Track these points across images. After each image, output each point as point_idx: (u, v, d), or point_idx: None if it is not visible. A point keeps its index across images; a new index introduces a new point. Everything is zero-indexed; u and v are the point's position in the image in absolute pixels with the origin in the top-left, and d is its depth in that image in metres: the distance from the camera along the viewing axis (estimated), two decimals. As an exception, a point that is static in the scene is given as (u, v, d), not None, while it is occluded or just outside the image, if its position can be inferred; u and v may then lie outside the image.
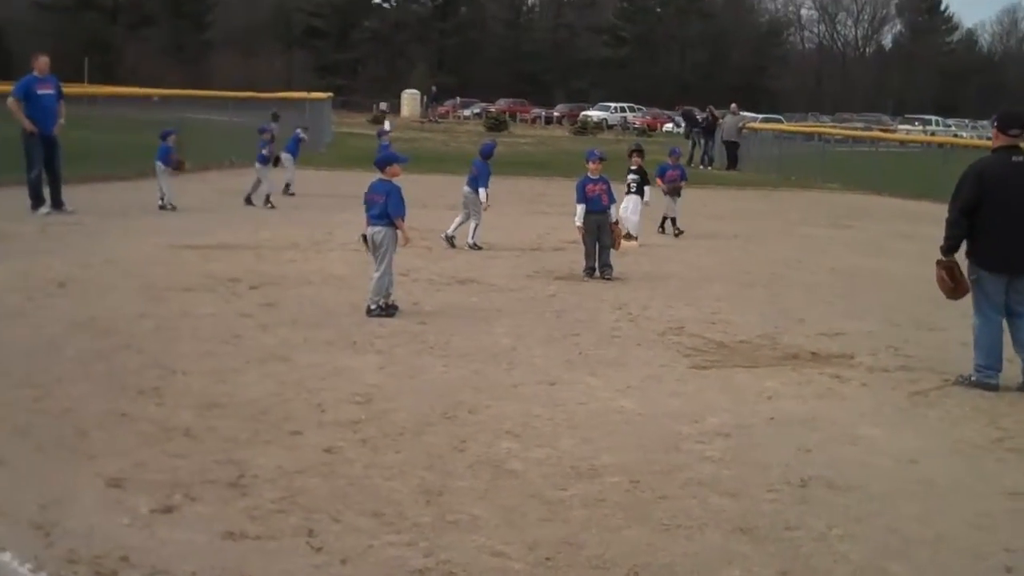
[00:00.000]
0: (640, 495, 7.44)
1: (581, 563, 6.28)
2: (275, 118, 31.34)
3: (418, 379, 10.21)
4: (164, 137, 23.11)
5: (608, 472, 7.85)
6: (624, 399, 9.83)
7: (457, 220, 19.04)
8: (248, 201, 23.78)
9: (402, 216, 12.96)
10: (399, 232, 13.00)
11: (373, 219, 13.02)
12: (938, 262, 11.34)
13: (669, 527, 6.89)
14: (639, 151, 20.71)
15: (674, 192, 22.37)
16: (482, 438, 8.52)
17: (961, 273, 11.17)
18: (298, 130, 29.09)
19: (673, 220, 22.37)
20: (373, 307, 12.84)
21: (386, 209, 12.94)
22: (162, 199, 22.24)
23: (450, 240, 18.75)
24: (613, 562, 6.31)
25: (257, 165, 24.40)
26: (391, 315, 12.81)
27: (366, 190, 13.32)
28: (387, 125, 24.80)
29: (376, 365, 10.63)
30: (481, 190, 18.84)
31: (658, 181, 22.12)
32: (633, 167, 20.28)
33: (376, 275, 12.94)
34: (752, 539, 6.76)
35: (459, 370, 10.59)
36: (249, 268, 15.65)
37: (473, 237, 18.87)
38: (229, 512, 6.79)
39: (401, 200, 13.08)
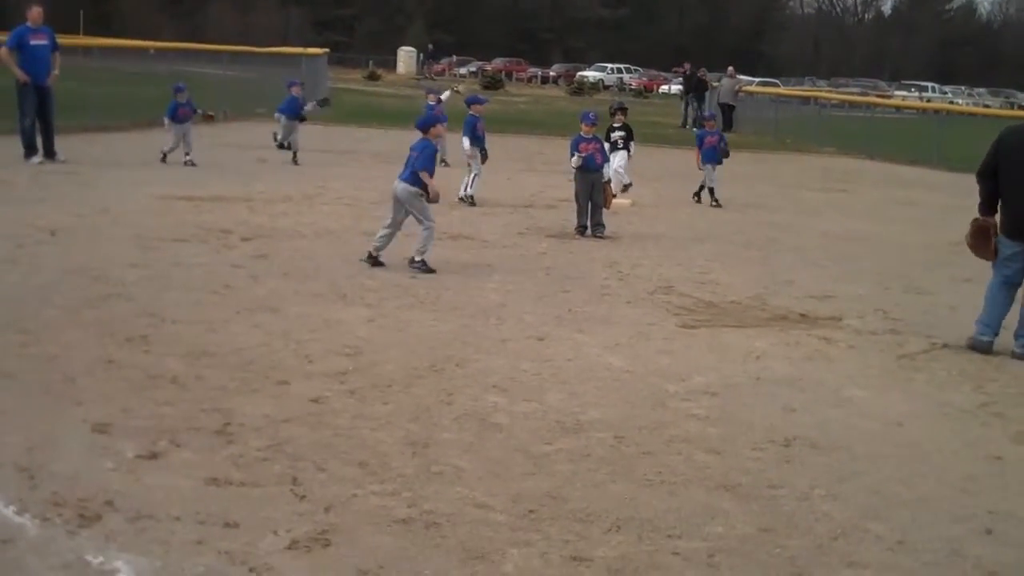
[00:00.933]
0: (625, 450, 7.46)
1: (564, 516, 6.31)
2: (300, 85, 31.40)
3: (407, 332, 10.22)
4: (175, 92, 22.39)
5: (593, 427, 7.88)
6: (612, 356, 9.85)
7: (467, 178, 19.14)
8: (282, 146, 24.57)
9: (428, 171, 12.89)
10: (429, 187, 12.93)
11: (402, 177, 12.94)
12: (972, 220, 11.37)
13: (653, 482, 6.91)
14: (623, 109, 20.79)
15: (713, 160, 21.14)
16: (469, 391, 8.54)
17: (994, 234, 11.14)
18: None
19: (711, 190, 21.14)
20: (417, 259, 12.88)
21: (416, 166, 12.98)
22: (164, 152, 21.87)
23: (470, 199, 18.83)
24: (596, 516, 6.33)
25: (283, 119, 24.85)
26: (430, 272, 12.82)
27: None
28: (445, 95, 24.78)
29: (365, 318, 10.64)
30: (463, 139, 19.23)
31: (696, 152, 21.38)
32: (617, 124, 20.32)
33: (423, 231, 13.12)
34: (735, 496, 6.79)
35: (448, 324, 10.61)
36: (241, 220, 15.64)
37: (471, 188, 18.93)
38: (214, 459, 6.80)
39: (431, 158, 13.13)
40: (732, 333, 11.05)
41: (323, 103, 22.55)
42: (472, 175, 19.06)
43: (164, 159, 21.66)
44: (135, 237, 13.85)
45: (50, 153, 20.71)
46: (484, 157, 19.43)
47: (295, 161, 23.25)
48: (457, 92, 18.45)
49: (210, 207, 16.62)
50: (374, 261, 13.01)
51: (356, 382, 8.57)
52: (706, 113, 24.34)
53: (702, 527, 6.31)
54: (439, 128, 13.83)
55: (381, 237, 13.11)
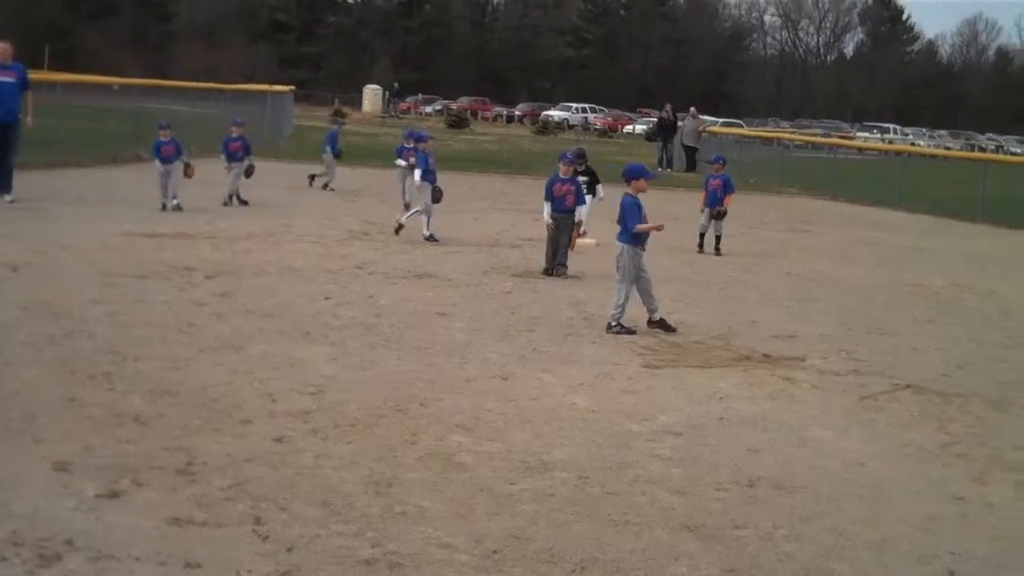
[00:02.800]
0: (589, 491, 7.45)
1: (528, 557, 6.29)
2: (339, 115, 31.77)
3: (371, 371, 10.20)
4: (158, 130, 21.58)
5: (558, 467, 7.87)
6: (576, 395, 9.85)
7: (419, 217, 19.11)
8: (320, 185, 26.64)
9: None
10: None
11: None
12: None
13: (617, 523, 6.90)
14: (579, 156, 20.74)
15: (719, 215, 20.35)
16: (433, 431, 8.52)
17: None
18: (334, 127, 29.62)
19: (717, 237, 20.43)
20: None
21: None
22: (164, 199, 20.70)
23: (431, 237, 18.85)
24: (560, 556, 6.32)
25: (327, 156, 26.75)
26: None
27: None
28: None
29: (329, 356, 10.61)
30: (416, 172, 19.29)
31: (701, 197, 20.98)
32: (581, 169, 20.34)
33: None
34: (699, 537, 6.79)
35: (413, 363, 10.59)
36: (205, 257, 15.59)
37: (427, 228, 18.92)
38: (176, 498, 6.76)
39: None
40: (696, 373, 11.07)
41: (249, 171, 22.09)
42: (423, 215, 19.04)
43: (164, 208, 20.48)
44: (98, 274, 13.78)
45: (3, 188, 20.28)
46: (438, 196, 19.13)
47: (241, 201, 22.55)
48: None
49: (173, 244, 16.56)
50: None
51: (319, 421, 8.54)
52: (712, 157, 24.03)
53: (666, 568, 6.31)
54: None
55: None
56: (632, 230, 12.79)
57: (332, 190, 26.96)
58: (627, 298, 12.67)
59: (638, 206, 12.86)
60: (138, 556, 5.91)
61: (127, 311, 11.92)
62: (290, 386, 9.45)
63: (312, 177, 27.74)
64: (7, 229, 16.81)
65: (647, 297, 12.84)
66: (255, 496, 6.88)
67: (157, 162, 20.84)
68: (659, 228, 13.07)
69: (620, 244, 12.88)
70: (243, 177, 22.43)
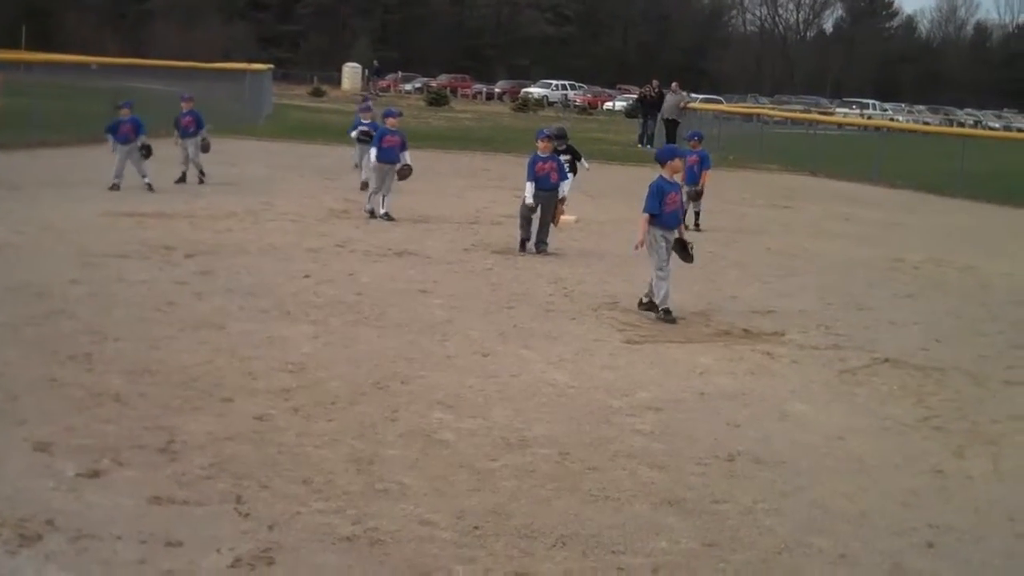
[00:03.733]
0: (569, 466, 7.48)
1: (509, 532, 6.31)
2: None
3: (352, 349, 10.20)
4: (118, 108, 21.10)
5: (538, 443, 7.89)
6: (557, 372, 9.88)
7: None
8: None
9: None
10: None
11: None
12: None
13: (597, 498, 6.93)
14: (558, 136, 20.64)
15: (695, 196, 19.95)
16: (414, 408, 8.53)
17: None
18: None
19: (696, 213, 20.24)
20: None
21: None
22: (115, 182, 20.22)
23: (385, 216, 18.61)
24: (541, 532, 6.35)
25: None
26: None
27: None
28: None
29: (310, 334, 10.61)
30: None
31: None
32: (561, 148, 20.29)
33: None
34: (679, 511, 6.82)
35: (393, 340, 10.59)
36: (185, 237, 15.55)
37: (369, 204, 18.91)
38: (157, 477, 6.77)
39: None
40: (676, 349, 11.10)
41: (205, 146, 21.80)
42: (376, 194, 18.87)
43: (115, 188, 20.01)
44: (78, 254, 13.74)
45: None
46: (405, 173, 18.84)
47: (201, 176, 22.25)
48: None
49: (153, 223, 16.51)
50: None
51: (300, 399, 8.55)
52: (688, 133, 23.86)
53: (647, 542, 6.34)
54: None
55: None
56: (645, 210, 12.42)
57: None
58: (664, 284, 12.32)
59: (658, 191, 12.44)
60: (119, 535, 5.91)
61: (107, 291, 11.90)
62: (271, 364, 9.45)
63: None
64: (-15, 209, 16.75)
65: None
66: (236, 474, 6.89)
67: (113, 141, 20.45)
68: (640, 243, 12.44)
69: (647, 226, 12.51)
70: (201, 152, 22.17)
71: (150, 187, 20.28)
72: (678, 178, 12.84)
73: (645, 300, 12.61)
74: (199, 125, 22.30)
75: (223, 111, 38.44)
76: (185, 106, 22.66)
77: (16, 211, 16.79)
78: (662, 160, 12.82)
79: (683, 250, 12.69)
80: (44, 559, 5.63)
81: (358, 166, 22.67)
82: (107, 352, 9.50)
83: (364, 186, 21.02)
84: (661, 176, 12.58)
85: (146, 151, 20.31)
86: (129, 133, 20.36)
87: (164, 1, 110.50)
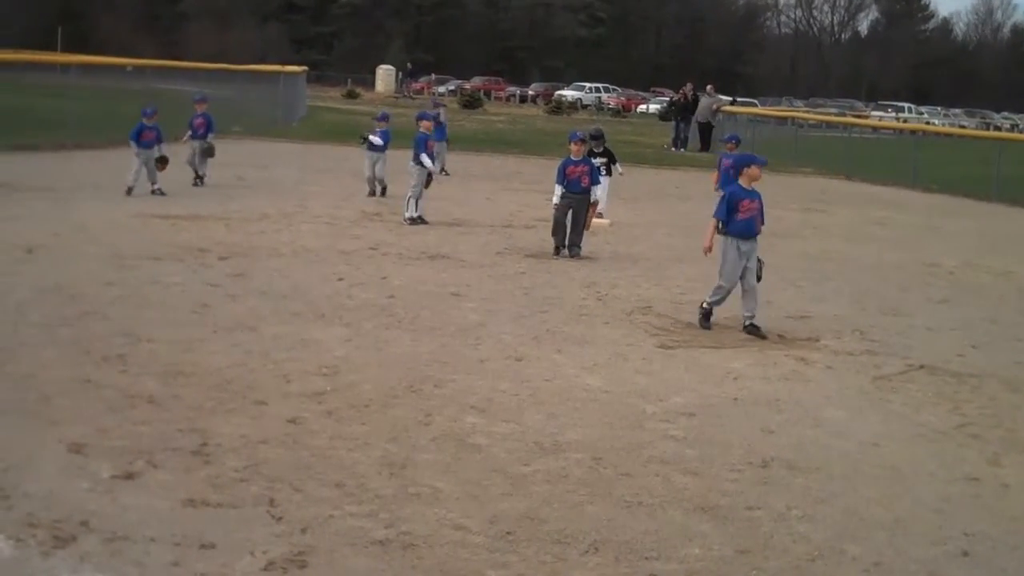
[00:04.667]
0: (603, 472, 7.46)
1: (542, 537, 6.30)
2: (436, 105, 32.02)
3: (385, 352, 10.20)
4: (143, 116, 20.57)
5: (571, 448, 7.88)
6: (590, 376, 9.86)
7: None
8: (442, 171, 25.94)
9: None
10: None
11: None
12: None
13: (631, 504, 6.91)
14: (595, 137, 20.59)
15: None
16: (447, 412, 8.53)
17: None
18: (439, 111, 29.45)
19: None
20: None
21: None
22: (129, 186, 19.85)
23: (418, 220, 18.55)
24: (574, 537, 6.33)
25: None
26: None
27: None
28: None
29: (343, 337, 10.62)
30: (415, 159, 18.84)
31: (713, 177, 20.88)
32: (599, 150, 20.28)
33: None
34: (712, 518, 6.80)
35: (426, 344, 10.59)
36: (219, 239, 15.60)
37: (418, 209, 18.75)
38: (191, 480, 6.78)
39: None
40: (710, 354, 11.07)
41: (208, 151, 21.66)
42: (409, 196, 18.71)
43: (129, 192, 19.64)
44: (112, 255, 13.80)
45: None
46: (430, 180, 18.97)
47: (198, 179, 21.90)
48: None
49: (187, 225, 16.57)
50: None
51: (333, 402, 8.56)
52: (726, 136, 23.78)
53: (680, 549, 6.31)
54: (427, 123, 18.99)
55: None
56: (714, 215, 12.25)
57: (446, 174, 26.53)
58: (723, 290, 12.10)
59: (731, 197, 12.22)
60: (153, 537, 5.93)
61: (141, 293, 11.94)
62: (304, 367, 9.46)
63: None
64: (21, 211, 16.84)
65: (746, 298, 12.14)
66: (269, 477, 6.90)
67: (135, 145, 20.02)
68: (706, 249, 12.31)
69: (720, 236, 12.33)
70: (207, 156, 22.01)
71: (161, 192, 19.92)
72: (757, 185, 12.46)
73: (747, 323, 12.09)
74: (209, 128, 22.20)
75: (257, 113, 38.60)
76: (199, 108, 22.58)
77: (50, 213, 16.88)
78: (738, 168, 12.67)
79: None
80: (79, 560, 5.65)
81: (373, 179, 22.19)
82: (141, 354, 9.53)
83: (372, 193, 21.58)
84: (738, 183, 12.42)
85: (163, 162, 20.24)
86: (151, 139, 20.15)
87: (198, 3, 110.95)
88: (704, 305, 12.22)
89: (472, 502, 6.75)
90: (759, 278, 12.29)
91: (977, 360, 11.48)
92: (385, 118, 22.70)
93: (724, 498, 7.13)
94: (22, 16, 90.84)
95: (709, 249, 12.25)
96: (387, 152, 21.79)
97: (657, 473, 7.51)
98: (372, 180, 21.84)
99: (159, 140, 20.32)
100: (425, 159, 18.59)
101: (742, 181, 12.35)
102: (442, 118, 27.69)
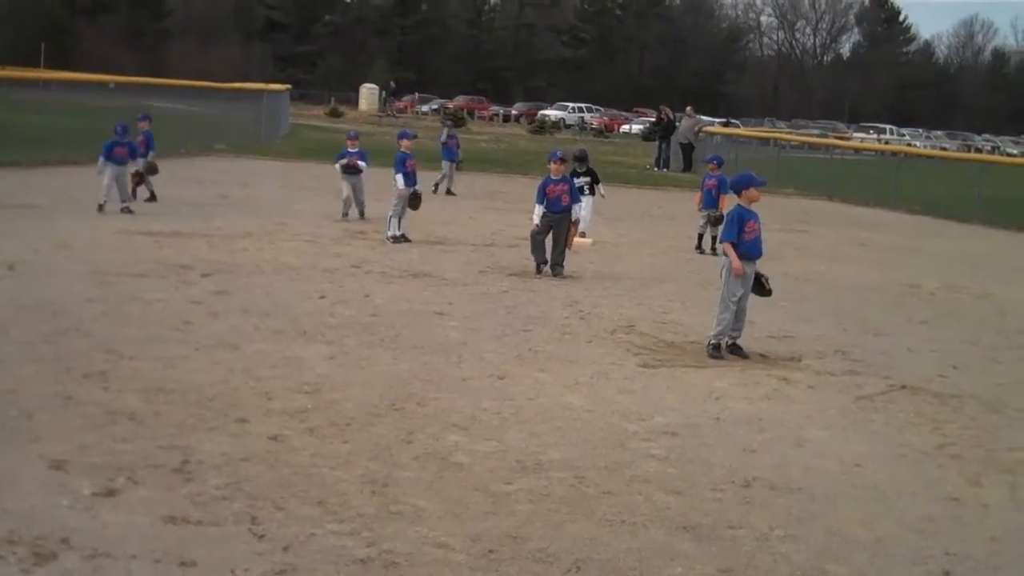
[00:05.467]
0: (585, 491, 7.45)
1: (524, 556, 6.29)
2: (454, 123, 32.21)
3: (367, 370, 10.19)
4: (116, 132, 20.38)
5: (554, 467, 7.87)
6: (572, 395, 9.85)
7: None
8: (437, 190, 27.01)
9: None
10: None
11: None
12: None
13: (613, 523, 6.91)
14: (579, 159, 20.73)
15: (715, 220, 19.44)
16: (429, 430, 8.52)
17: None
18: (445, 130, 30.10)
19: (713, 238, 19.56)
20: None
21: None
22: (100, 203, 19.66)
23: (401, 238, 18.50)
24: (556, 556, 6.32)
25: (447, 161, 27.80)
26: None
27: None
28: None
29: (325, 355, 10.61)
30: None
31: (697, 197, 20.94)
32: (581, 170, 20.37)
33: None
34: (695, 537, 6.79)
35: (409, 362, 10.58)
36: (201, 256, 15.58)
37: (399, 228, 18.74)
38: (172, 497, 6.76)
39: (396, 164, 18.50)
40: (692, 373, 11.08)
41: (150, 168, 21.48)
42: (390, 216, 18.71)
43: (101, 208, 19.51)
44: (93, 272, 13.77)
45: None
46: (416, 200, 18.93)
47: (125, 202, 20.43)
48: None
49: (169, 242, 16.55)
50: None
51: (315, 420, 8.54)
52: (708, 157, 23.82)
53: (662, 568, 6.31)
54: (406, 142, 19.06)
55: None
56: (726, 239, 12.16)
57: (452, 194, 27.53)
58: (727, 317, 11.99)
59: (737, 219, 12.10)
60: (134, 554, 5.91)
61: (122, 309, 11.92)
62: (286, 385, 9.45)
63: (436, 186, 27.66)
64: (2, 228, 16.78)
65: (736, 319, 12.07)
66: (251, 495, 6.88)
67: (102, 161, 19.81)
68: (738, 271, 11.95)
69: (724, 257, 12.35)
70: (150, 174, 21.65)
71: (129, 210, 19.64)
72: (755, 207, 12.31)
73: (729, 343, 12.10)
74: (149, 147, 22.03)
75: (240, 131, 38.54)
76: (141, 126, 22.36)
77: (32, 229, 16.83)
78: (737, 189, 12.51)
79: (759, 285, 12.29)
80: (58, 578, 5.63)
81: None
82: (122, 370, 9.50)
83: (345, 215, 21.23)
84: (740, 204, 12.36)
85: (151, 168, 20.12)
86: (124, 156, 20.05)
87: (182, 20, 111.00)
88: (711, 342, 12.07)
89: (454, 520, 6.74)
90: (770, 292, 12.41)
91: (958, 380, 11.50)
92: (356, 136, 22.36)
93: (706, 517, 7.13)
94: (6, 32, 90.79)
95: (741, 269, 11.95)
96: (364, 175, 21.40)
97: (639, 492, 7.51)
98: (349, 201, 21.32)
99: (134, 155, 20.37)
100: (399, 179, 18.56)
101: (742, 202, 12.31)
102: (443, 137, 29.01)
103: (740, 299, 12.01)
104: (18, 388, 8.75)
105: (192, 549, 6.03)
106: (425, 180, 20.43)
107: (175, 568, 5.81)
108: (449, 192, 27.53)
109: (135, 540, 6.08)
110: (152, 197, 21.51)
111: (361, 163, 21.22)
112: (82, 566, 5.75)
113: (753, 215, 12.15)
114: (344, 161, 21.38)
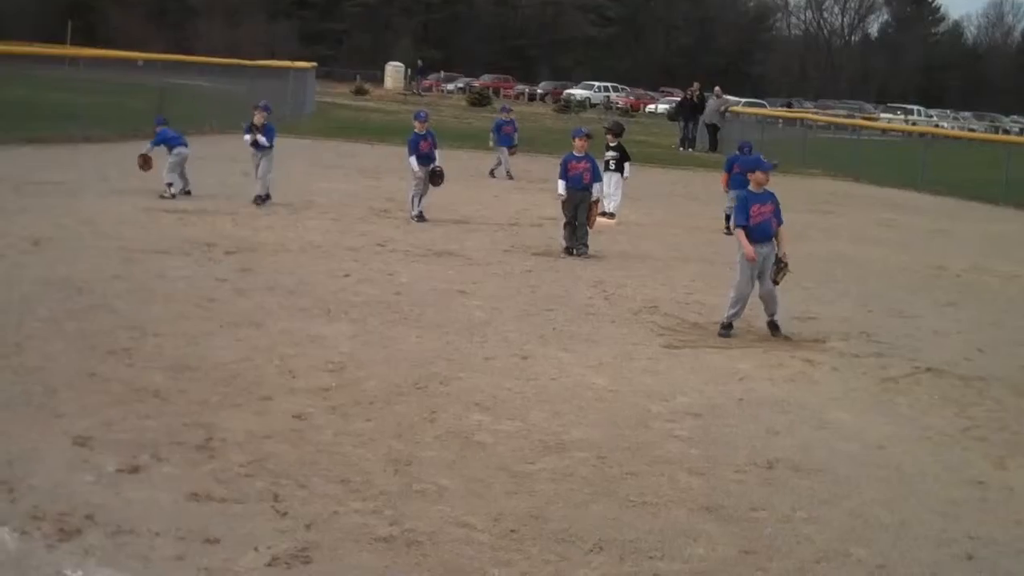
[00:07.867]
0: (607, 471, 7.46)
1: (546, 536, 6.30)
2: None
3: (391, 349, 10.20)
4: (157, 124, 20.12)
5: (576, 447, 7.87)
6: (596, 375, 9.85)
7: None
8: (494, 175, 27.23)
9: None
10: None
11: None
12: None
13: (635, 503, 6.91)
14: (613, 131, 20.60)
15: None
16: (452, 409, 8.53)
17: None
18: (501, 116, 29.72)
19: None
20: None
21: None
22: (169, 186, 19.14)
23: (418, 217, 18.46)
24: (578, 536, 6.33)
25: (502, 147, 27.60)
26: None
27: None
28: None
29: (349, 333, 10.63)
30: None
31: (724, 177, 20.56)
32: (612, 143, 20.27)
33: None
34: (717, 518, 6.79)
35: (432, 341, 10.59)
36: (226, 233, 15.61)
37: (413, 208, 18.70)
38: (196, 474, 6.79)
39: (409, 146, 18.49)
40: (716, 354, 11.06)
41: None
42: (412, 195, 18.69)
43: (172, 195, 18.82)
44: (119, 249, 13.81)
45: None
46: (437, 178, 18.75)
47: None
48: None
49: (195, 220, 16.58)
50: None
51: (339, 398, 8.56)
52: (740, 143, 23.62)
53: (684, 549, 6.31)
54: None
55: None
56: (737, 225, 12.14)
57: (511, 178, 27.08)
58: (739, 299, 11.98)
59: (744, 203, 12.14)
60: (157, 531, 5.94)
61: (147, 286, 11.95)
62: (310, 363, 9.47)
63: (492, 172, 27.73)
64: (28, 204, 16.85)
65: (765, 304, 12.14)
66: (274, 472, 6.90)
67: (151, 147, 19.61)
68: (751, 258, 11.90)
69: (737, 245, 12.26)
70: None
71: (174, 195, 19.04)
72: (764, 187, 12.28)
73: (769, 320, 12.14)
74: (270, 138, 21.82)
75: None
76: (259, 118, 22.00)
77: (58, 206, 16.88)
78: (744, 171, 12.57)
79: (776, 268, 12.14)
80: (83, 553, 5.65)
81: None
82: (147, 347, 9.54)
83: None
84: (748, 188, 12.38)
85: (142, 160, 19.86)
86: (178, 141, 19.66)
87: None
88: (721, 324, 12.05)
89: (477, 500, 6.75)
90: (776, 283, 12.19)
91: (983, 363, 11.46)
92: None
93: (729, 499, 7.13)
94: (31, 10, 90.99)
95: (752, 253, 11.90)
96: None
97: (662, 473, 7.51)
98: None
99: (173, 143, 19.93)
100: (412, 161, 18.54)
101: (751, 185, 12.30)
102: (505, 119, 28.64)
103: (761, 283, 11.93)
104: (43, 365, 8.80)
105: (215, 526, 6.06)
106: (447, 158, 20.36)
107: (198, 545, 5.84)
108: (509, 176, 27.11)
109: (159, 517, 6.11)
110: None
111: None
112: (106, 542, 5.78)
113: (762, 198, 12.11)
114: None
